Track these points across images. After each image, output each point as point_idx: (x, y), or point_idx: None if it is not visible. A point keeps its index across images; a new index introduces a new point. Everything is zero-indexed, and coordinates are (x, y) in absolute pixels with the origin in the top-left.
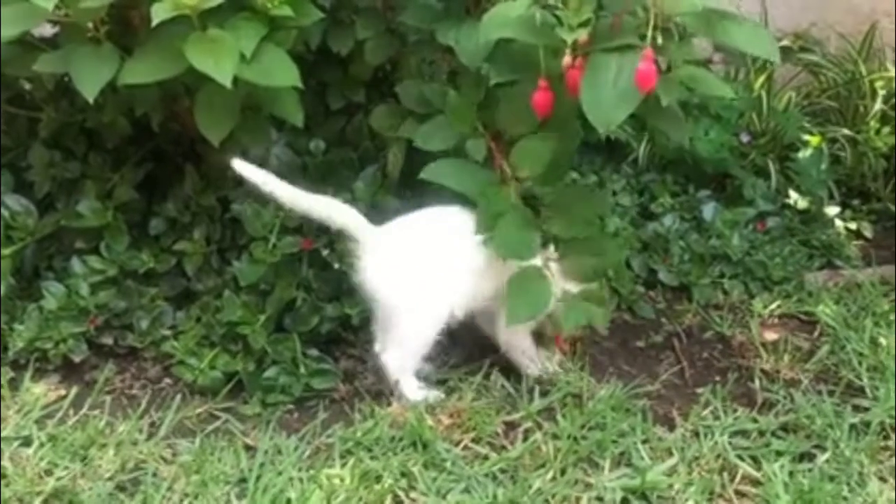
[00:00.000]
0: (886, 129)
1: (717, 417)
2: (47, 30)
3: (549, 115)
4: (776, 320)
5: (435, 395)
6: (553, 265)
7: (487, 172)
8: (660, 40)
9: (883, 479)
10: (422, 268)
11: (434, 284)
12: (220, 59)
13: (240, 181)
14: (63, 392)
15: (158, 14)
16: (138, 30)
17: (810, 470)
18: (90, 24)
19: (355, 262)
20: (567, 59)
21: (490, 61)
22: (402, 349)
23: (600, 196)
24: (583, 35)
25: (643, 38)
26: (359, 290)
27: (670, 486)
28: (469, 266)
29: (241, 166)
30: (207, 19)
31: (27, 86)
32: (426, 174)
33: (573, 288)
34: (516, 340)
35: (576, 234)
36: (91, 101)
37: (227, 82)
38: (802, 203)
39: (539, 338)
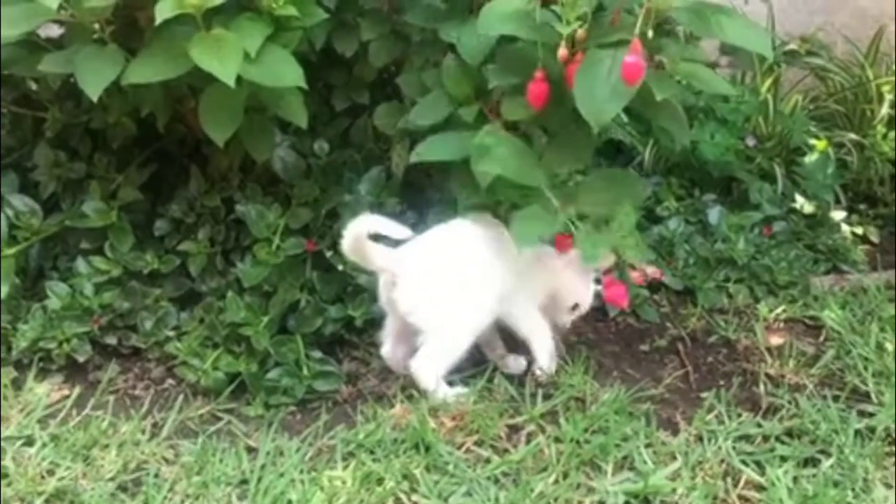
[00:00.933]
0: (893, 134)
1: (721, 422)
2: (53, 30)
3: (544, 107)
4: (781, 325)
5: (457, 391)
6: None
7: (477, 131)
8: (650, 34)
9: (888, 485)
10: (452, 285)
11: (465, 299)
12: (224, 58)
13: (243, 182)
14: (66, 392)
15: (162, 13)
16: (143, 30)
17: (815, 475)
18: (95, 25)
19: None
20: (563, 53)
21: (491, 62)
22: (437, 362)
23: (588, 132)
24: (579, 30)
25: (641, 33)
26: (388, 309)
27: (673, 490)
28: (494, 273)
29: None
30: (212, 19)
31: (33, 86)
32: (416, 156)
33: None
34: (540, 332)
35: (574, 166)
36: (95, 100)
37: (231, 82)
38: (808, 207)
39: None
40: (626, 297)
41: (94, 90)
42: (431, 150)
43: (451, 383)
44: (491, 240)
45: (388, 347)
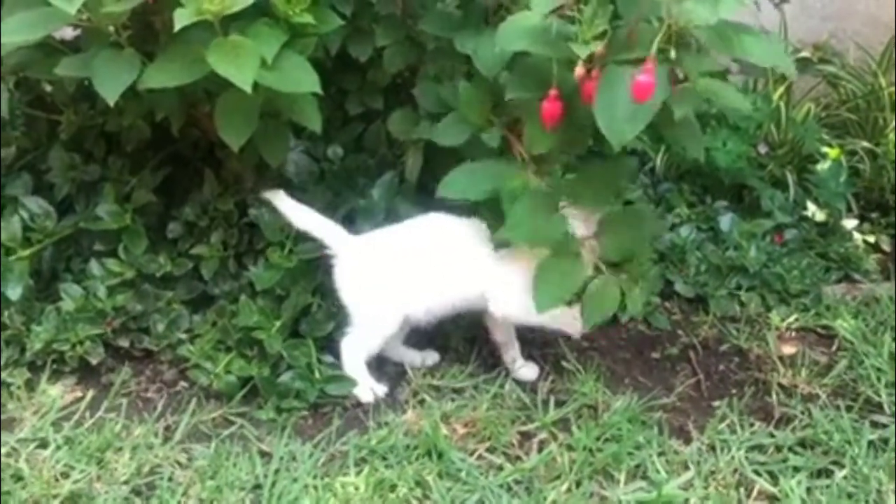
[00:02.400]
0: None
1: (733, 431)
2: (68, 32)
3: (557, 125)
4: (793, 333)
5: (380, 387)
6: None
7: (502, 165)
8: (673, 53)
9: None
10: (386, 274)
11: (390, 290)
12: (241, 64)
13: (257, 186)
14: (79, 394)
15: (181, 19)
16: (160, 34)
17: (828, 486)
18: (112, 29)
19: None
20: (580, 71)
21: (507, 75)
22: (361, 347)
23: (624, 164)
24: (598, 48)
25: (660, 50)
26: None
27: (686, 500)
28: (431, 271)
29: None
30: (229, 25)
31: (48, 88)
32: (442, 191)
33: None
34: (502, 336)
35: (600, 202)
36: (112, 104)
37: (248, 88)
38: (820, 215)
39: None
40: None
41: (111, 94)
42: (456, 187)
43: (461, 390)
44: (460, 236)
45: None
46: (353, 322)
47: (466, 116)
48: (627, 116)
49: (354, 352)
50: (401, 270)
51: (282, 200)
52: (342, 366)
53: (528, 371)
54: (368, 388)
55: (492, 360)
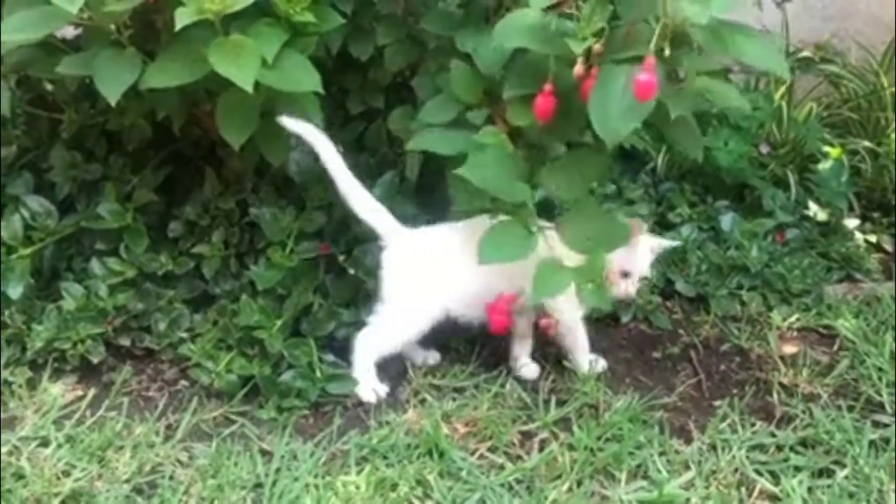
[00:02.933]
0: None
1: (734, 431)
2: (69, 31)
3: (550, 121)
4: (795, 333)
5: (382, 388)
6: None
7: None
8: (667, 51)
9: None
10: (425, 276)
11: (432, 290)
12: (242, 64)
13: (257, 185)
14: (80, 392)
15: (182, 19)
16: (161, 34)
17: (829, 486)
18: (113, 28)
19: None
20: (579, 69)
21: (505, 73)
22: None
23: (602, 160)
24: (596, 45)
25: (657, 48)
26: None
27: (687, 500)
28: (477, 271)
29: (288, 122)
30: (230, 24)
31: (49, 87)
32: (413, 144)
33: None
34: (523, 329)
35: (576, 193)
36: (113, 104)
37: (249, 87)
38: (822, 215)
39: None
40: (503, 329)
41: (112, 94)
42: (431, 142)
43: (463, 389)
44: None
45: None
46: (380, 315)
47: (457, 95)
48: (621, 114)
49: (369, 348)
50: (447, 269)
51: (341, 175)
52: (352, 360)
53: (529, 370)
54: (371, 389)
55: (493, 360)
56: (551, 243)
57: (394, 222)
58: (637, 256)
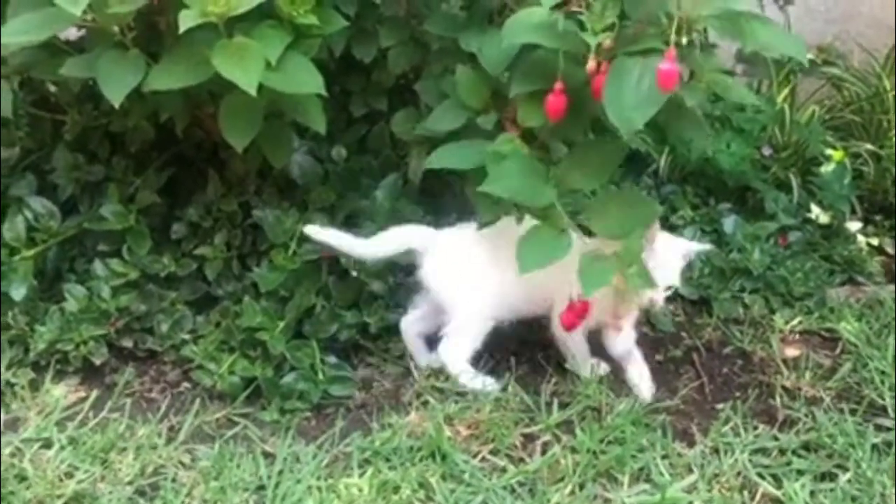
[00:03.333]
0: None
1: (737, 434)
2: (72, 33)
3: (561, 119)
4: (797, 336)
5: (490, 381)
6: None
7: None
8: (684, 40)
9: None
10: (478, 269)
11: (483, 286)
12: (245, 66)
13: (260, 188)
14: (83, 394)
15: (185, 21)
16: (165, 36)
17: (832, 490)
18: (117, 29)
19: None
20: (591, 65)
21: (512, 71)
22: (460, 346)
23: (617, 148)
24: (607, 40)
25: (667, 42)
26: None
27: (690, 503)
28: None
29: (312, 231)
30: (234, 27)
31: (52, 88)
32: (431, 163)
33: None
34: (569, 338)
35: (591, 185)
36: (117, 106)
37: (253, 90)
38: (824, 218)
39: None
40: (575, 326)
41: (116, 96)
42: (447, 158)
43: (464, 393)
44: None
45: (409, 318)
46: (451, 320)
47: (464, 101)
48: (636, 105)
49: (457, 352)
50: (492, 263)
51: (345, 241)
52: (448, 370)
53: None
54: (480, 382)
55: (494, 363)
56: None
57: (425, 229)
58: (658, 263)
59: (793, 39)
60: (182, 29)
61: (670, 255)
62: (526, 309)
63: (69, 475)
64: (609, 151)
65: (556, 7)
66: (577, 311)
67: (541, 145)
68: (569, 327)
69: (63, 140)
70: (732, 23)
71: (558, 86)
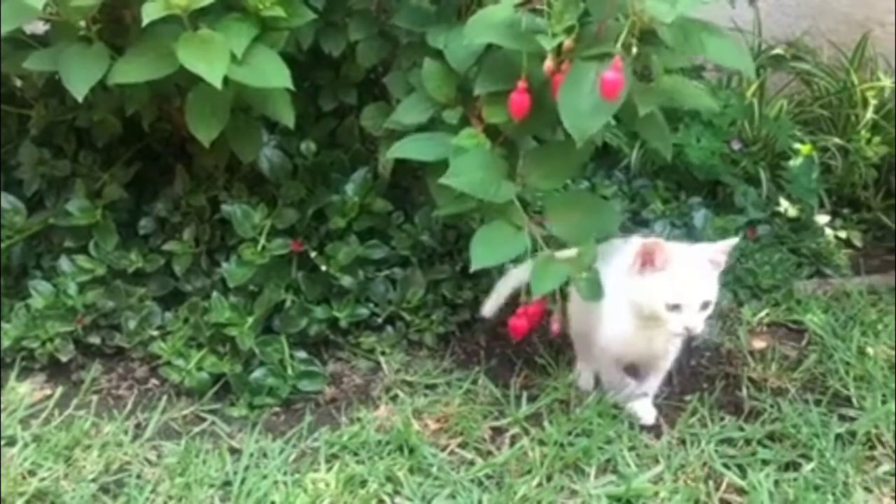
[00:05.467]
0: (877, 139)
1: (703, 425)
2: (39, 27)
3: (525, 118)
4: (765, 328)
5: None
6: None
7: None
8: (634, 49)
9: (868, 490)
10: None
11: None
12: (211, 59)
13: (229, 182)
14: (49, 392)
15: (149, 14)
16: (129, 29)
17: (796, 479)
18: (81, 23)
19: None
20: (549, 65)
21: (477, 70)
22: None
23: (579, 151)
24: (567, 42)
25: (625, 46)
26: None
27: (656, 493)
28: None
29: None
30: (198, 19)
31: (18, 83)
32: (394, 153)
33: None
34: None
35: (552, 185)
36: (80, 100)
37: (218, 83)
38: (793, 211)
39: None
40: (523, 334)
41: (79, 90)
42: (410, 149)
43: (434, 386)
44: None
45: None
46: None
47: (431, 95)
48: (591, 111)
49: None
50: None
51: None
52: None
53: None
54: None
55: (465, 356)
56: None
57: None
58: (682, 281)
59: (741, 54)
60: (146, 21)
61: (693, 268)
62: None
63: (32, 473)
64: (572, 151)
65: (520, 5)
66: (530, 316)
67: (504, 141)
68: (518, 333)
69: (28, 135)
70: (685, 31)
71: (521, 84)
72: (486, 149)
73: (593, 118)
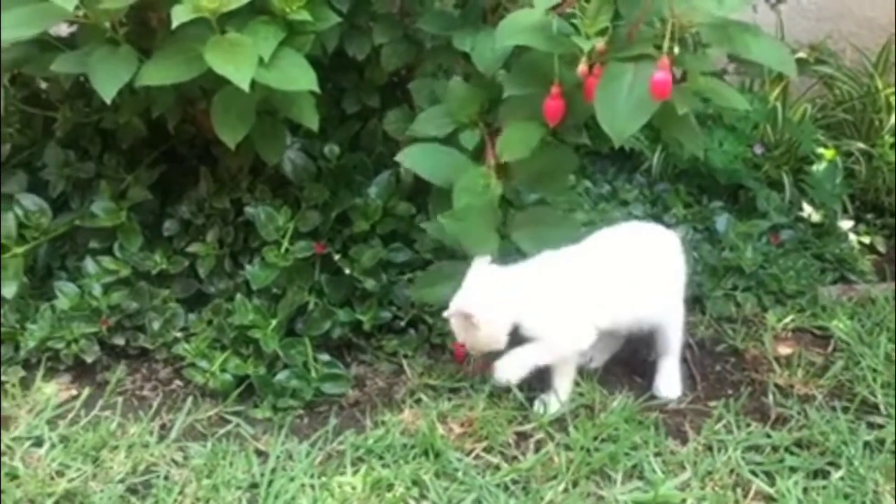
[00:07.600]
0: None
1: (729, 432)
2: (64, 29)
3: (560, 123)
4: (790, 334)
5: None
6: None
7: (468, 163)
8: (676, 50)
9: None
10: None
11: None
12: (239, 62)
13: (253, 184)
14: (75, 392)
15: (178, 17)
16: (157, 31)
17: (824, 487)
18: (108, 25)
19: None
20: (583, 68)
21: (504, 74)
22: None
23: (569, 158)
24: (599, 43)
25: (659, 47)
26: None
27: (683, 500)
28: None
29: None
30: (226, 23)
31: (43, 85)
32: (401, 157)
33: None
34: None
35: (531, 248)
36: (108, 102)
37: (246, 86)
38: (816, 216)
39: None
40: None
41: (107, 92)
42: (417, 161)
43: (458, 390)
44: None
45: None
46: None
47: (453, 111)
48: (628, 112)
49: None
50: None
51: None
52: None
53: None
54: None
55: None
56: None
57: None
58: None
59: (781, 52)
60: (174, 24)
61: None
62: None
63: (60, 474)
64: (560, 161)
65: (552, 8)
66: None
67: (510, 175)
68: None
69: (54, 137)
70: (723, 32)
71: (555, 90)
72: (489, 197)
73: (631, 119)
